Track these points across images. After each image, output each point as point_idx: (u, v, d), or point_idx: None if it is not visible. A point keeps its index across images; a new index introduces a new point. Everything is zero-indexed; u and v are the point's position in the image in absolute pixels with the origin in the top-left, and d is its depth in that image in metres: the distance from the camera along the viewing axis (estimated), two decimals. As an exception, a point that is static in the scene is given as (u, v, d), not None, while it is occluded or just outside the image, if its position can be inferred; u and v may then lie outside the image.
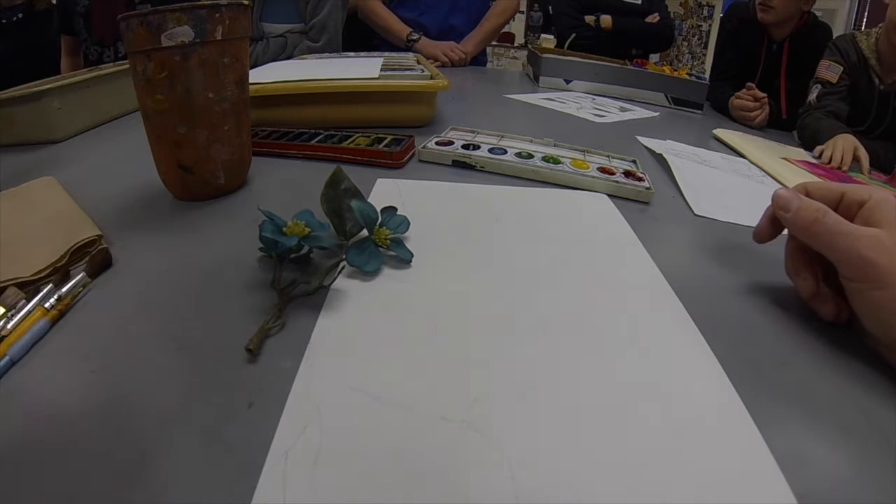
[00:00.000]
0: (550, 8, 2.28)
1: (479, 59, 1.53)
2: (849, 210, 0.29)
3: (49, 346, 0.25)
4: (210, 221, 0.39)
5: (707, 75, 1.32)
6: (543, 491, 0.19)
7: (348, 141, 0.53)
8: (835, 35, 1.16)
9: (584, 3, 1.75)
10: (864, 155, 0.78)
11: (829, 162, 0.78)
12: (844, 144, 0.79)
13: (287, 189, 0.45)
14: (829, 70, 0.98)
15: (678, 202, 0.49)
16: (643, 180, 0.49)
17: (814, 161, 0.79)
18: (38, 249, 0.32)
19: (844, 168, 0.77)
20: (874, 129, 0.93)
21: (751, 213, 0.47)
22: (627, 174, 0.50)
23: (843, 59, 0.98)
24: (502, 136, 0.60)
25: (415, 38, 1.37)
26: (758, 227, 0.34)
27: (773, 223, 0.33)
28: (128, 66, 0.43)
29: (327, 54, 1.06)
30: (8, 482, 0.18)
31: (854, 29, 0.98)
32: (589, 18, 1.73)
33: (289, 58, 1.15)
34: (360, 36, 1.49)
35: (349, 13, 1.36)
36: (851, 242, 0.26)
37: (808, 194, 0.31)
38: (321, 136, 0.54)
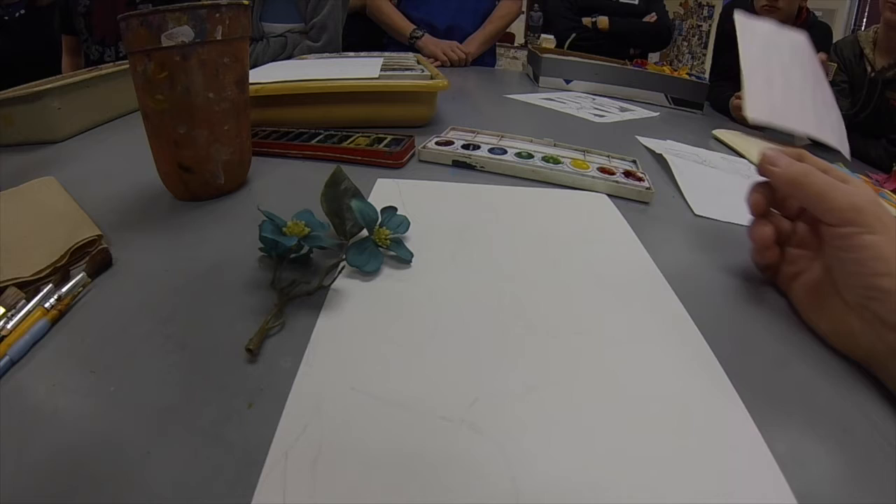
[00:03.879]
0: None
1: (486, 61, 1.53)
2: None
3: (49, 346, 0.25)
4: (210, 221, 0.39)
5: (707, 75, 1.32)
6: (543, 491, 0.19)
7: (348, 141, 0.53)
8: (834, 35, 1.16)
9: (581, 5, 1.75)
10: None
11: None
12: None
13: (287, 189, 0.45)
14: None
15: (678, 202, 0.49)
16: (643, 180, 0.49)
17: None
18: (38, 249, 0.32)
19: None
20: (860, 113, 0.93)
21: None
22: (627, 174, 0.50)
23: (837, 58, 0.99)
24: (502, 136, 0.60)
25: (418, 35, 1.37)
26: (751, 200, 0.34)
27: (764, 188, 0.34)
28: (128, 66, 0.43)
29: (327, 54, 1.06)
30: (9, 482, 0.18)
31: (854, 29, 0.98)
32: (586, 20, 1.73)
33: (289, 58, 1.15)
34: (366, 35, 1.49)
35: (350, 13, 1.36)
36: (843, 192, 0.28)
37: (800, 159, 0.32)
38: (321, 136, 0.54)
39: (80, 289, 0.29)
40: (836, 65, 0.98)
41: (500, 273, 0.33)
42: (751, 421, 0.22)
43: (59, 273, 0.31)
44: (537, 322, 0.28)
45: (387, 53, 0.95)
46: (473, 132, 0.61)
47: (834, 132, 0.59)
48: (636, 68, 1.13)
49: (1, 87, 0.61)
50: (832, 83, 0.97)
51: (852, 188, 0.29)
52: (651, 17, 1.77)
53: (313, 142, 0.53)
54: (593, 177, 0.48)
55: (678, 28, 4.27)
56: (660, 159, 0.60)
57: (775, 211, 0.35)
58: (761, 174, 0.33)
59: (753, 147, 0.75)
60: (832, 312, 0.28)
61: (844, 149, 0.67)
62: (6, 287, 0.28)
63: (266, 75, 0.63)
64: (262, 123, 0.59)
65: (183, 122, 0.38)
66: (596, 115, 0.86)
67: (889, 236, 0.26)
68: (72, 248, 0.32)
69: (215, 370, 0.24)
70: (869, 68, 0.92)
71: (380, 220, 0.34)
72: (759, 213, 0.34)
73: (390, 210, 0.36)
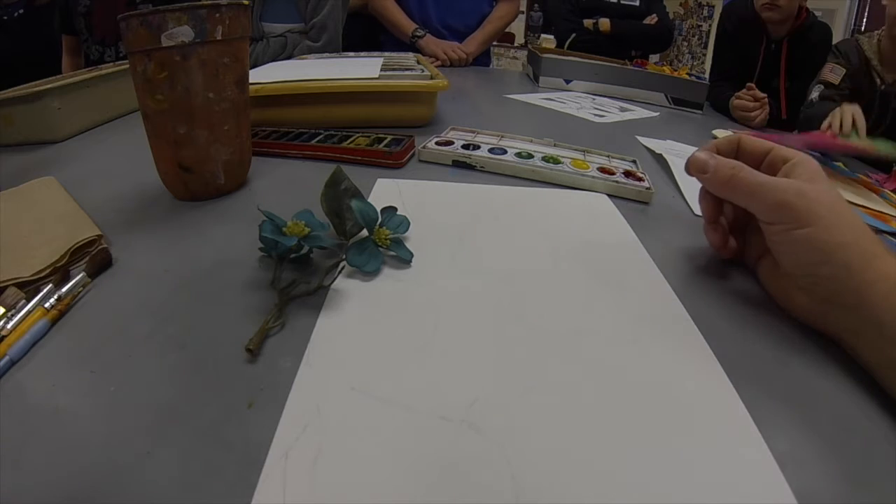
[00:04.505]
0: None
1: (482, 61, 1.53)
2: (773, 165, 0.31)
3: (49, 346, 0.25)
4: (210, 221, 0.39)
5: (707, 75, 1.32)
6: (543, 491, 0.19)
7: (348, 141, 0.53)
8: (834, 35, 1.16)
9: (582, 7, 1.75)
10: (860, 119, 0.80)
11: (839, 129, 0.79)
12: (846, 110, 0.81)
13: (287, 189, 0.45)
14: (833, 72, 0.98)
15: (678, 202, 0.49)
16: (643, 180, 0.49)
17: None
18: (38, 249, 0.32)
19: (845, 131, 0.79)
20: (875, 129, 0.93)
21: (751, 213, 0.47)
22: (627, 174, 0.50)
23: (846, 62, 0.98)
24: (502, 136, 0.60)
25: (419, 34, 1.38)
26: (702, 207, 0.35)
27: (709, 196, 0.34)
28: (128, 66, 0.43)
29: (327, 54, 1.06)
30: (8, 482, 0.18)
31: (854, 30, 0.97)
32: (587, 22, 1.73)
33: (289, 58, 1.15)
34: (366, 35, 1.49)
35: (350, 13, 1.36)
36: (767, 191, 0.29)
37: (739, 148, 0.33)
38: (321, 136, 0.54)
39: (80, 289, 0.29)
40: (845, 70, 0.97)
41: (500, 273, 0.33)
42: (751, 420, 0.22)
43: (59, 273, 0.31)
44: (537, 322, 0.28)
45: (387, 53, 0.95)
46: (473, 132, 0.61)
47: None
48: (636, 68, 1.13)
49: (1, 87, 0.61)
50: (836, 87, 0.97)
51: (781, 182, 0.29)
52: (652, 19, 1.77)
53: (313, 142, 0.53)
54: (593, 177, 0.48)
55: (678, 28, 4.27)
56: (660, 159, 0.60)
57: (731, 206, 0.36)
58: (692, 175, 0.33)
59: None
60: (788, 291, 0.30)
61: None
62: (6, 287, 0.28)
63: (266, 75, 0.63)
64: (262, 123, 0.59)
65: (183, 122, 0.38)
66: (596, 115, 0.86)
67: (820, 226, 0.27)
68: (72, 248, 0.32)
69: (215, 370, 0.24)
70: (878, 80, 0.92)
71: (380, 220, 0.34)
72: (712, 220, 0.35)
73: (390, 210, 0.36)
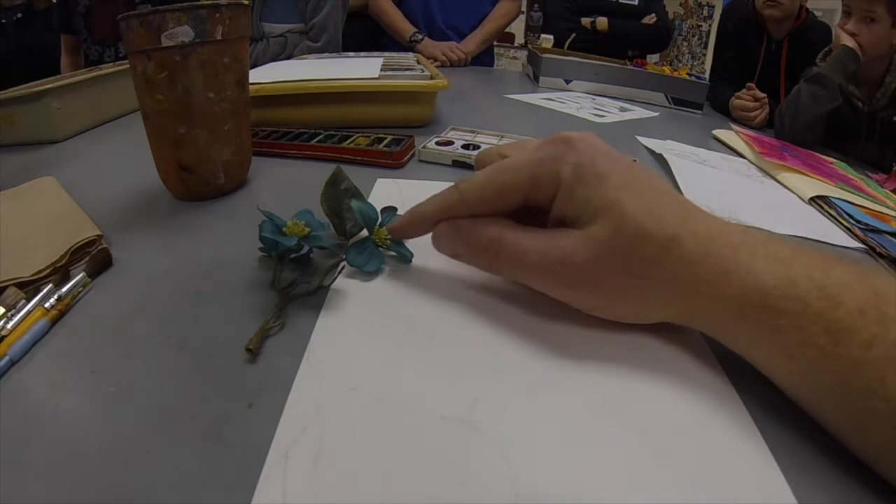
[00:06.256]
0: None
1: (485, 61, 1.53)
2: (538, 192, 0.24)
3: (49, 346, 0.25)
4: (210, 221, 0.39)
5: (707, 75, 1.32)
6: (543, 491, 0.19)
7: (348, 141, 0.53)
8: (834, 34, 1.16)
9: (580, 6, 1.75)
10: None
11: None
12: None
13: (287, 189, 0.45)
14: None
15: (678, 202, 0.48)
16: (643, 180, 0.49)
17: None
18: (38, 249, 0.32)
19: None
20: (868, 144, 0.92)
21: (750, 213, 0.47)
22: (627, 174, 0.50)
23: None
24: (502, 137, 0.60)
25: (418, 38, 1.38)
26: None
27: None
28: (128, 66, 0.43)
29: (327, 54, 1.07)
30: (8, 482, 0.18)
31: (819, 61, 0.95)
32: (585, 21, 1.73)
33: (289, 58, 1.15)
34: (366, 36, 1.50)
35: (350, 13, 1.36)
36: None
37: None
38: (321, 136, 0.54)
39: (80, 289, 0.29)
40: None
41: (500, 273, 0.33)
42: (751, 420, 0.22)
43: (59, 273, 0.31)
44: (537, 322, 0.28)
45: (387, 53, 0.95)
46: (473, 132, 0.61)
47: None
48: (636, 68, 1.13)
49: (0, 88, 0.61)
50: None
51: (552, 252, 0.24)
52: (650, 19, 1.77)
53: (313, 142, 0.53)
54: (593, 177, 0.48)
55: (678, 28, 4.27)
56: (660, 159, 0.60)
57: None
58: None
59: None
60: None
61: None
62: (6, 287, 0.28)
63: (266, 75, 0.63)
64: (262, 123, 0.59)
65: (183, 122, 0.38)
66: (596, 115, 0.86)
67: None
68: (72, 248, 0.32)
69: (215, 370, 0.24)
70: (859, 104, 0.91)
71: (380, 220, 0.34)
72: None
73: (390, 210, 0.36)
